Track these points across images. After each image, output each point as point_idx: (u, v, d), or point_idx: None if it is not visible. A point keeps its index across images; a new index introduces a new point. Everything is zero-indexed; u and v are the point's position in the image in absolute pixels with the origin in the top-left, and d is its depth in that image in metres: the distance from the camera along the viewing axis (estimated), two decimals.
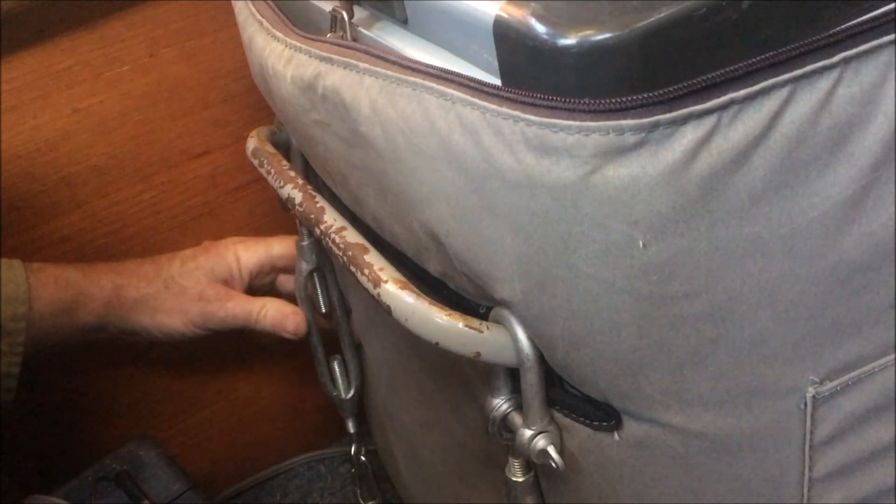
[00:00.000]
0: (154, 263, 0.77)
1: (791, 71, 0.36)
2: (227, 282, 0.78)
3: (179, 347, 0.80)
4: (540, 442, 0.48)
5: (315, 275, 0.76)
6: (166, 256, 0.78)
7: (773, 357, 0.42)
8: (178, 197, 0.84)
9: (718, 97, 0.35)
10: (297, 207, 0.59)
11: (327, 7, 0.54)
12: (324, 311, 0.78)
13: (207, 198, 0.85)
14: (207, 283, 0.77)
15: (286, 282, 0.83)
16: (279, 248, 0.80)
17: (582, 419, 0.46)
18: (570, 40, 0.36)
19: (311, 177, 0.66)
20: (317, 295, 0.77)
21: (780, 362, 0.42)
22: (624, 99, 0.35)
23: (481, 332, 0.45)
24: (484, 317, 0.47)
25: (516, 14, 0.38)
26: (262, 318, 0.78)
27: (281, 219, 0.87)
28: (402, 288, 0.47)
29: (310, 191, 0.59)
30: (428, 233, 0.45)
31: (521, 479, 0.53)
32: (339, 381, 0.83)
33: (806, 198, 0.38)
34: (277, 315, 0.78)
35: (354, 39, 0.52)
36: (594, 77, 0.36)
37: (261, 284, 0.81)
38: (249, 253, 0.79)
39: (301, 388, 0.97)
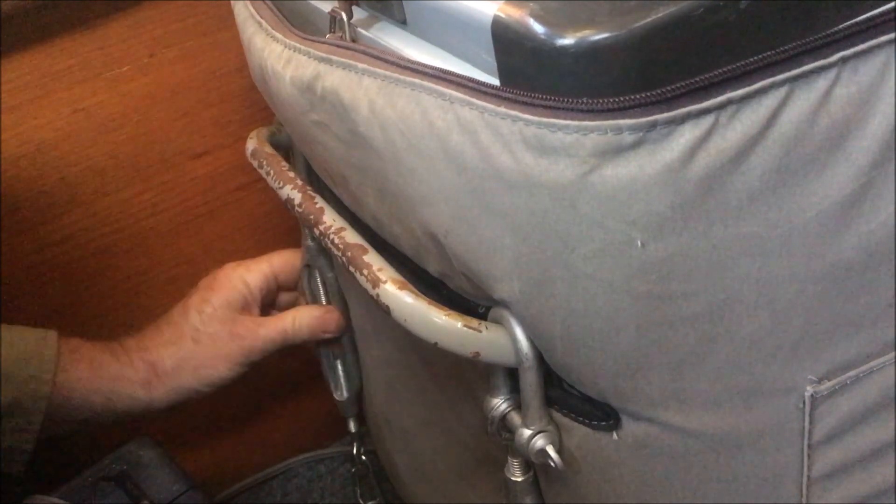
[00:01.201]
0: (170, 324, 0.74)
1: (789, 71, 0.36)
2: (244, 309, 0.76)
3: None
4: (539, 441, 0.48)
5: (317, 274, 0.76)
6: (178, 311, 0.75)
7: (771, 356, 0.42)
8: (178, 197, 0.84)
9: (716, 97, 0.35)
10: (296, 208, 0.59)
11: (326, 8, 0.54)
12: None
13: (207, 198, 0.85)
14: (232, 321, 0.74)
15: (285, 300, 0.82)
16: (278, 261, 0.79)
17: (581, 419, 0.47)
18: (568, 40, 0.36)
19: (313, 177, 0.66)
20: (319, 295, 0.77)
21: (779, 361, 0.42)
22: (622, 99, 0.35)
23: (480, 331, 0.45)
24: (483, 317, 0.47)
25: (514, 14, 0.38)
26: (298, 330, 0.76)
27: (281, 218, 0.87)
28: (400, 288, 0.47)
29: (309, 191, 0.60)
30: (427, 233, 0.45)
31: (520, 479, 0.53)
32: (341, 380, 0.83)
33: (804, 197, 0.38)
34: (313, 321, 0.76)
35: (353, 40, 0.52)
36: (592, 77, 0.36)
37: (267, 303, 0.80)
38: (253, 274, 0.77)
39: (301, 388, 0.98)
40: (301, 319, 0.76)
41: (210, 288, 0.75)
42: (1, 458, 0.65)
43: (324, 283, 0.77)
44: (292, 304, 0.80)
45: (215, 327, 0.73)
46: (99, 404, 0.69)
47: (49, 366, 0.66)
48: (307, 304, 0.78)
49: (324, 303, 0.78)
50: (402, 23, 0.49)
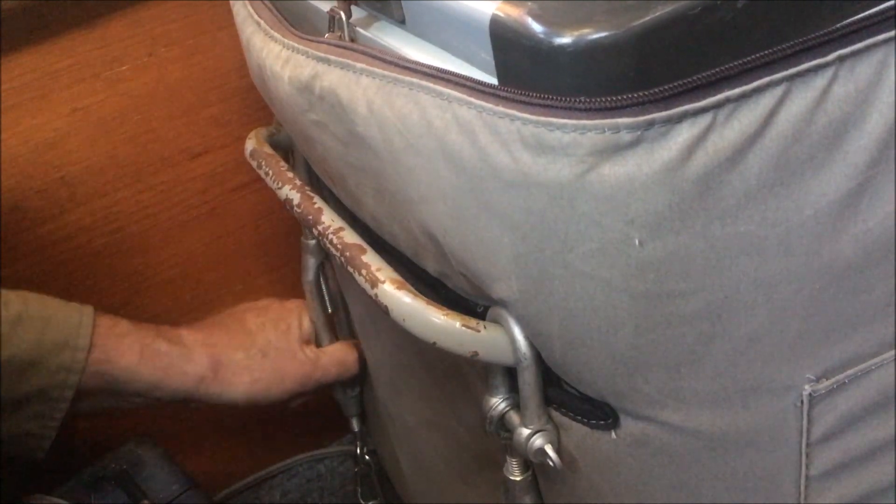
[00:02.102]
0: (243, 328, 0.74)
1: (786, 69, 0.36)
2: (307, 344, 0.77)
3: None
4: (537, 441, 0.48)
5: (320, 274, 0.76)
6: (252, 321, 0.75)
7: (769, 355, 0.42)
8: (177, 196, 0.84)
9: (714, 95, 0.35)
10: (294, 208, 0.59)
11: (325, 7, 0.54)
12: (329, 310, 0.78)
13: (207, 197, 0.85)
14: (300, 346, 0.75)
15: None
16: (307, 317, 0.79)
17: (579, 418, 0.47)
18: (566, 39, 0.36)
19: (313, 177, 0.66)
20: (323, 294, 0.77)
21: (777, 360, 0.42)
22: (620, 98, 0.35)
23: (478, 331, 0.45)
24: (482, 316, 0.47)
25: (513, 13, 0.38)
26: (351, 364, 0.77)
27: (280, 218, 0.87)
28: (399, 288, 0.47)
29: (307, 191, 0.60)
30: (425, 232, 0.45)
31: (518, 478, 0.53)
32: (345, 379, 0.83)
33: (801, 196, 0.38)
34: (345, 358, 0.77)
35: (352, 40, 0.52)
36: (590, 76, 0.36)
37: None
38: (307, 321, 0.78)
39: None
40: (350, 353, 0.77)
41: (288, 310, 0.76)
42: (20, 445, 0.64)
43: (325, 283, 0.77)
44: None
45: (287, 345, 0.74)
46: (141, 391, 0.68)
47: (81, 355, 0.64)
48: (312, 309, 0.79)
49: (327, 304, 0.78)
50: (401, 22, 0.49)
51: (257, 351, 0.73)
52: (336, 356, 0.76)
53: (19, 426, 0.63)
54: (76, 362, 0.64)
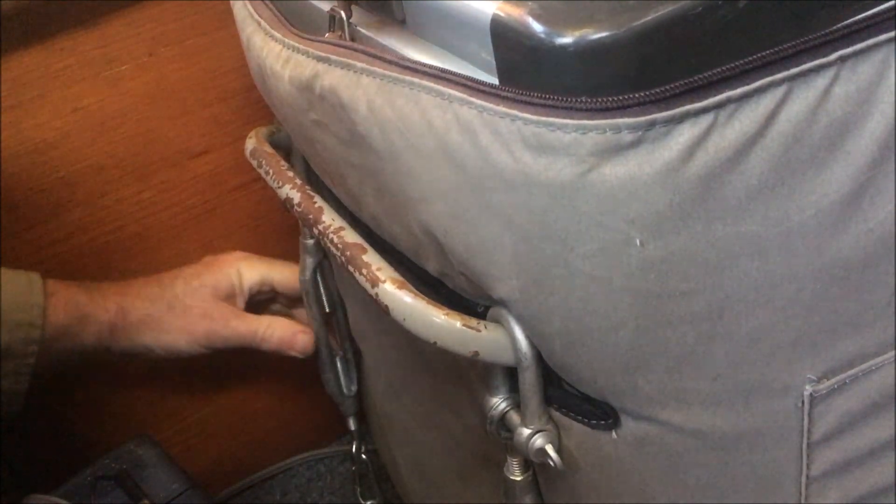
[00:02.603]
0: (159, 283, 0.77)
1: (787, 69, 0.36)
2: (229, 298, 0.78)
3: None
4: (538, 441, 0.48)
5: (318, 273, 0.76)
6: (170, 275, 0.78)
7: (770, 355, 0.42)
8: (177, 196, 0.84)
9: (715, 95, 0.35)
10: (295, 208, 0.59)
11: (326, 7, 0.54)
12: (327, 310, 0.78)
13: (207, 197, 0.85)
14: (212, 302, 0.77)
15: (279, 309, 0.83)
16: (282, 270, 0.81)
17: (580, 418, 0.47)
18: (567, 39, 0.36)
19: (313, 177, 0.66)
20: (321, 293, 0.77)
21: (778, 360, 0.42)
22: (621, 98, 0.35)
23: (479, 331, 0.45)
24: (482, 316, 0.47)
25: (513, 13, 0.38)
26: (267, 336, 0.78)
27: (281, 217, 0.87)
28: (399, 288, 0.47)
29: (308, 191, 0.60)
30: (426, 232, 0.45)
31: (519, 478, 0.53)
32: (342, 378, 0.83)
33: (803, 196, 0.38)
34: (285, 334, 0.78)
35: (353, 39, 0.52)
36: (591, 76, 0.36)
37: (258, 301, 0.82)
38: (252, 271, 0.79)
39: (301, 388, 0.97)
40: (274, 329, 0.78)
41: (208, 266, 0.78)
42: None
43: (323, 282, 0.77)
44: (286, 317, 0.81)
45: (193, 301, 0.76)
46: (69, 346, 0.71)
47: (38, 311, 0.68)
48: (308, 308, 0.79)
49: (325, 304, 0.78)
50: (402, 22, 0.49)
51: (164, 303, 0.75)
52: (252, 325, 0.78)
53: None
54: (35, 317, 0.67)
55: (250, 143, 0.69)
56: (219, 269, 0.78)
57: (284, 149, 0.71)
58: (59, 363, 0.71)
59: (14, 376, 0.67)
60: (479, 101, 0.38)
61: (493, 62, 0.41)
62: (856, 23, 0.37)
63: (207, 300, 0.76)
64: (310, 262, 0.75)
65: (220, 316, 0.76)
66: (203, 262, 0.79)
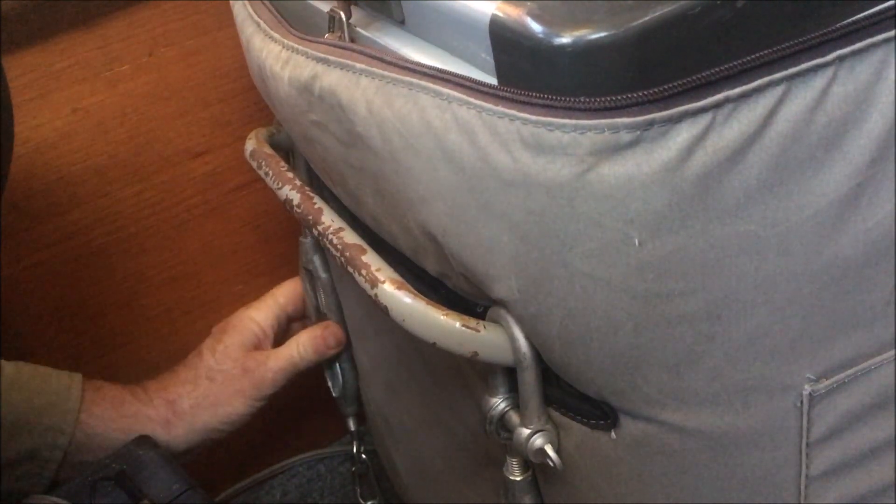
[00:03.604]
0: (187, 366, 0.77)
1: (786, 69, 0.36)
2: (257, 347, 0.78)
3: (179, 349, 0.80)
4: (537, 441, 0.48)
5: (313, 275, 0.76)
6: (192, 355, 0.77)
7: (769, 354, 0.42)
8: (178, 196, 0.84)
9: (713, 95, 0.35)
10: (295, 209, 0.59)
11: (325, 8, 0.54)
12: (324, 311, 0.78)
13: (207, 197, 0.85)
14: (244, 355, 0.77)
15: (297, 329, 0.83)
16: (284, 293, 0.81)
17: (579, 418, 0.47)
18: (565, 39, 0.36)
19: (314, 177, 0.66)
20: (320, 293, 0.77)
21: (777, 360, 0.42)
22: (619, 97, 0.35)
23: (478, 331, 0.45)
24: (481, 316, 0.47)
25: (512, 13, 0.38)
26: (304, 354, 0.78)
27: (281, 218, 0.87)
28: (399, 288, 0.47)
29: (308, 192, 0.60)
30: (425, 232, 0.45)
31: (518, 478, 0.53)
32: (340, 379, 0.83)
33: (801, 195, 0.38)
34: (315, 342, 0.78)
35: (352, 40, 0.52)
36: (590, 76, 0.36)
37: (280, 338, 0.82)
38: (261, 312, 0.80)
39: (301, 388, 0.97)
40: (305, 345, 0.78)
41: (223, 330, 0.78)
42: (11, 498, 0.67)
43: (320, 283, 0.77)
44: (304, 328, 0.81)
45: (228, 365, 0.76)
46: (120, 442, 0.70)
47: (71, 417, 0.68)
48: (310, 308, 0.79)
49: (322, 303, 0.78)
50: (401, 22, 0.49)
51: (204, 379, 0.75)
52: (285, 353, 0.78)
53: (10, 485, 0.66)
54: (66, 424, 0.68)
55: (250, 145, 0.69)
56: (234, 328, 0.78)
57: (285, 149, 0.71)
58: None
59: (35, 478, 0.67)
60: (477, 102, 0.38)
61: (492, 62, 0.41)
62: (854, 23, 0.37)
63: (239, 357, 0.76)
64: (310, 262, 0.75)
65: (257, 364, 0.76)
66: (215, 332, 0.79)
